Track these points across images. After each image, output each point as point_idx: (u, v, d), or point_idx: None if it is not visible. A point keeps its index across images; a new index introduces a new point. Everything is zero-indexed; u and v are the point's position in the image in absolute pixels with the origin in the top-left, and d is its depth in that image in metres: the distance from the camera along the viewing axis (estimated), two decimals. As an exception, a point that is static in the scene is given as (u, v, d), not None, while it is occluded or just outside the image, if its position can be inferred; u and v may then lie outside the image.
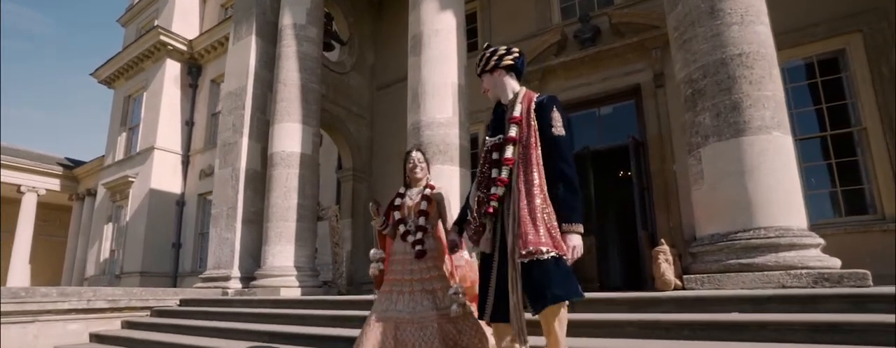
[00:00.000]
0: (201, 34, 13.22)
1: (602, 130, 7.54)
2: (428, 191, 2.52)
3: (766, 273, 3.14)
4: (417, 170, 2.55)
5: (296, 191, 6.85)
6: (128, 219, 12.56)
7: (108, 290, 5.94)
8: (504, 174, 1.83)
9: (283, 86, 7.27)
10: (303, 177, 6.98)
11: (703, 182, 3.69)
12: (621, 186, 8.89)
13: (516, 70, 2.03)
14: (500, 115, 1.99)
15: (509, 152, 1.83)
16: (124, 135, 14.13)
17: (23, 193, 16.93)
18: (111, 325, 5.78)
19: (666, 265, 3.70)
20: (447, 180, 5.41)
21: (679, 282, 3.65)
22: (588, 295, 3.56)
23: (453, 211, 2.52)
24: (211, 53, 12.99)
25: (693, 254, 3.75)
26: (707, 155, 3.64)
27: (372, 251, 2.57)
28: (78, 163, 17.61)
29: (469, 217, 2.00)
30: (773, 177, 3.30)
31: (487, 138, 1.96)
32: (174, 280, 12.10)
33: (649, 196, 6.64)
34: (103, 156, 14.89)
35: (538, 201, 1.73)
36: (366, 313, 2.58)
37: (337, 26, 9.59)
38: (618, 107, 7.49)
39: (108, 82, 15.08)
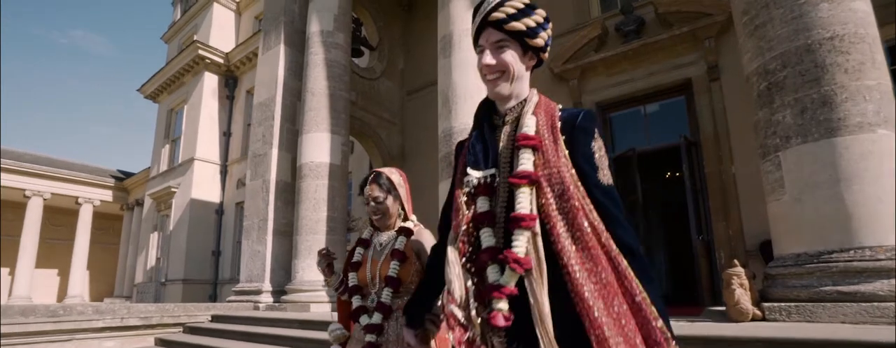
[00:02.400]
0: (236, 46, 13.46)
1: (649, 129, 6.92)
2: (401, 241, 1.56)
3: (877, 304, 2.55)
4: (380, 209, 1.59)
5: (325, 203, 6.64)
6: (171, 228, 12.89)
7: (141, 307, 5.91)
8: (519, 248, 0.88)
9: (311, 95, 7.10)
10: (332, 189, 6.76)
11: (784, 192, 3.12)
12: (669, 187, 8.19)
13: (540, 60, 1.05)
14: (491, 130, 1.05)
15: (525, 201, 0.90)
16: (167, 147, 14.58)
17: (80, 204, 17.88)
18: (145, 342, 5.73)
19: (741, 291, 3.15)
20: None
21: (758, 311, 3.09)
22: None
23: None
24: (246, 65, 13.18)
25: (772, 275, 3.17)
26: (789, 159, 3.06)
27: (330, 326, 1.65)
28: (128, 175, 18.42)
29: (444, 307, 0.97)
30: (879, 185, 2.70)
31: (469, 170, 1.00)
32: (214, 287, 12.28)
33: (704, 200, 6.01)
34: (149, 167, 15.44)
35: (618, 286, 0.86)
36: None
37: (366, 31, 9.41)
38: (666, 104, 6.86)
39: (153, 97, 15.66)
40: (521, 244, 0.88)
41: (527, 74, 1.03)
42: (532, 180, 0.92)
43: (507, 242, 0.91)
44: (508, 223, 0.91)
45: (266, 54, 8.11)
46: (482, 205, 0.96)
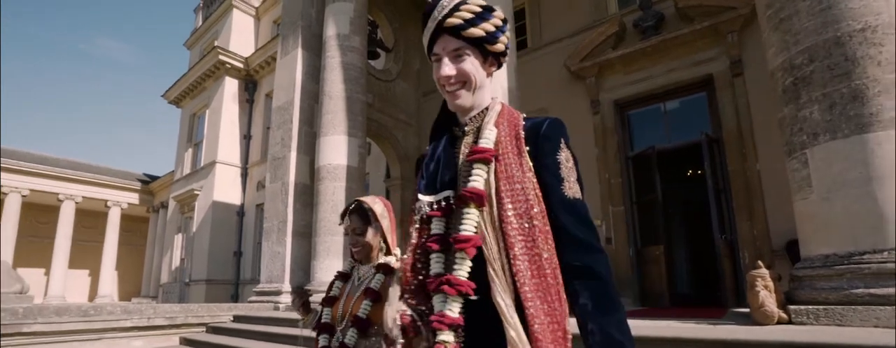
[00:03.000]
0: (256, 51, 13.70)
1: (668, 127, 6.78)
2: (379, 279, 1.42)
3: (912, 309, 2.44)
4: (359, 241, 1.47)
5: (343, 205, 6.70)
6: (194, 229, 13.20)
7: (167, 307, 6.06)
8: (462, 271, 0.82)
9: (329, 98, 7.17)
10: (350, 190, 6.82)
11: (811, 190, 3.01)
12: (689, 186, 8.00)
13: (500, 64, 0.96)
14: (451, 142, 0.95)
15: (468, 223, 0.82)
16: (190, 150, 14.94)
17: (109, 207, 18.48)
18: (170, 341, 5.87)
19: (765, 293, 3.05)
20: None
21: (783, 314, 2.98)
22: (665, 325, 2.83)
23: None
24: (265, 69, 13.40)
25: (799, 277, 3.07)
26: (817, 157, 2.95)
27: None
28: (154, 178, 18.93)
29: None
30: (913, 184, 2.58)
31: (419, 196, 0.93)
32: (236, 287, 12.53)
33: (727, 198, 5.87)
34: (173, 171, 15.85)
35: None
36: None
37: (382, 33, 9.46)
38: (686, 100, 6.72)
39: (176, 102, 16.06)
40: (462, 268, 0.81)
41: (488, 82, 0.94)
42: (479, 200, 0.82)
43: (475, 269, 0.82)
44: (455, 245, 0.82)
45: (284, 59, 8.23)
46: (436, 227, 0.87)
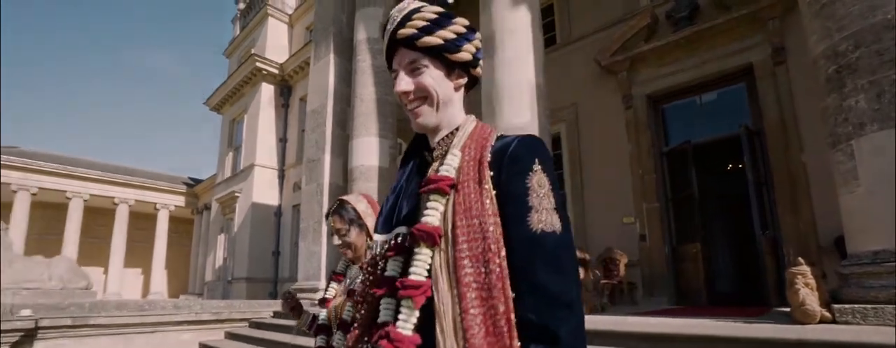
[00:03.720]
0: (290, 57, 14.15)
1: (704, 120, 6.56)
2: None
3: (972, 307, 2.29)
4: (345, 241, 1.44)
5: (375, 204, 6.85)
6: (235, 230, 13.78)
7: (213, 303, 6.39)
8: (407, 324, 0.70)
9: (360, 101, 7.35)
10: (381, 191, 6.97)
11: (858, 184, 2.86)
12: (728, 181, 7.70)
13: (472, 77, 0.85)
14: (412, 172, 0.85)
15: (419, 266, 0.71)
16: (231, 154, 15.60)
17: (158, 209, 19.57)
18: (216, 335, 6.18)
19: (806, 291, 2.92)
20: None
21: (827, 313, 2.85)
22: (696, 323, 2.76)
23: None
24: (299, 74, 13.83)
25: (845, 275, 2.93)
26: (863, 148, 2.81)
27: None
28: (197, 181, 19.87)
29: None
30: (972, 174, 2.42)
31: (376, 236, 0.83)
32: (275, 285, 13.00)
33: (769, 193, 5.62)
34: (216, 174, 16.59)
35: None
36: None
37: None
38: (723, 92, 6.49)
39: (217, 108, 16.80)
40: (408, 321, 0.68)
41: (457, 96, 0.83)
42: (430, 238, 0.70)
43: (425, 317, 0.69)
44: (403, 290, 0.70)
45: (317, 64, 8.49)
46: (392, 269, 0.74)
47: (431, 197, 0.73)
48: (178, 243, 20.54)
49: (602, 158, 7.08)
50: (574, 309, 0.67)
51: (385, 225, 0.81)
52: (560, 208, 0.72)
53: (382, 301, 0.73)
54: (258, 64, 13.91)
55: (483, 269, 0.68)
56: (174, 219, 20.15)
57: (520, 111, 5.33)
